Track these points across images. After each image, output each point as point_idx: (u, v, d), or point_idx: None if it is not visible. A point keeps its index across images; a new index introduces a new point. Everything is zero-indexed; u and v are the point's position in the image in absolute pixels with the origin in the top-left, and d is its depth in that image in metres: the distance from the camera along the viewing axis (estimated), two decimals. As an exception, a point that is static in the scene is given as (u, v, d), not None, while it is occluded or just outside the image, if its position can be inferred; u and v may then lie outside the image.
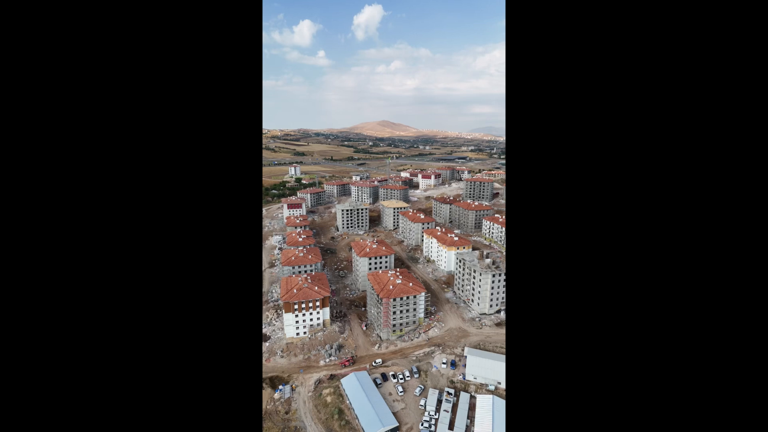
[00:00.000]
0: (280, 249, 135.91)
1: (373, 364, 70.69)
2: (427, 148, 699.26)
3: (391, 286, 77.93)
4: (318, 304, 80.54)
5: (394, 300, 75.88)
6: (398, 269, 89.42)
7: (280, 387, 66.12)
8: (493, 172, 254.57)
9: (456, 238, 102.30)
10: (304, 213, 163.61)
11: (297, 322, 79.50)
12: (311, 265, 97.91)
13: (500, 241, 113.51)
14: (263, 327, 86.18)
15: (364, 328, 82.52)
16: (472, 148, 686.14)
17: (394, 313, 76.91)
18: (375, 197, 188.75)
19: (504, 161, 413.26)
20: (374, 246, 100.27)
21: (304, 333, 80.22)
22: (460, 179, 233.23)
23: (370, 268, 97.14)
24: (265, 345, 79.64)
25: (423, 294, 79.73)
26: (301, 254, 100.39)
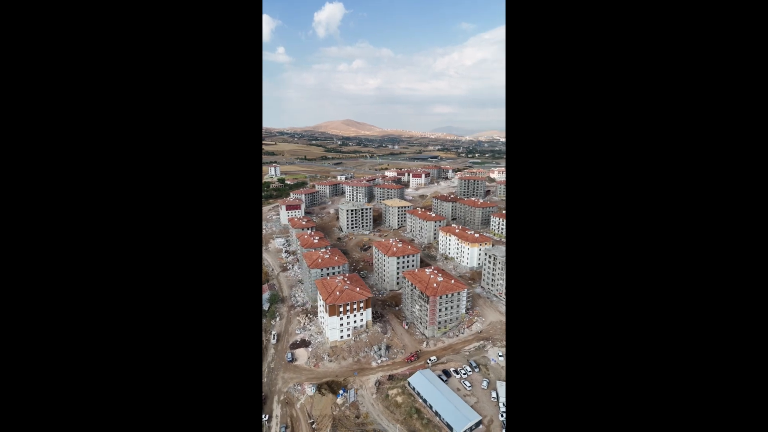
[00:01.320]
0: (287, 252, 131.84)
1: (428, 361, 71.43)
2: (396, 147, 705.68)
3: (435, 284, 78.97)
4: (362, 305, 79.68)
5: (440, 297, 77.04)
6: (434, 267, 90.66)
7: (341, 392, 64.89)
8: (474, 170, 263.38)
9: (477, 235, 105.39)
10: (303, 214, 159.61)
11: (341, 324, 78.11)
12: (338, 267, 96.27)
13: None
14: (298, 333, 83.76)
15: (406, 327, 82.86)
16: (439, 147, 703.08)
17: (440, 310, 78.09)
18: (370, 197, 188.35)
19: (476, 161, 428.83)
20: (399, 245, 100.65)
21: (348, 335, 79.03)
22: (446, 178, 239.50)
23: (398, 268, 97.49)
24: (308, 350, 77.53)
25: (465, 290, 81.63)
26: (327, 255, 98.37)
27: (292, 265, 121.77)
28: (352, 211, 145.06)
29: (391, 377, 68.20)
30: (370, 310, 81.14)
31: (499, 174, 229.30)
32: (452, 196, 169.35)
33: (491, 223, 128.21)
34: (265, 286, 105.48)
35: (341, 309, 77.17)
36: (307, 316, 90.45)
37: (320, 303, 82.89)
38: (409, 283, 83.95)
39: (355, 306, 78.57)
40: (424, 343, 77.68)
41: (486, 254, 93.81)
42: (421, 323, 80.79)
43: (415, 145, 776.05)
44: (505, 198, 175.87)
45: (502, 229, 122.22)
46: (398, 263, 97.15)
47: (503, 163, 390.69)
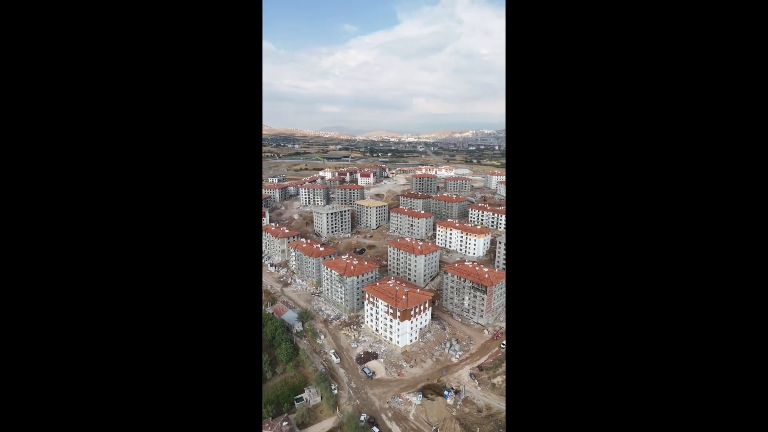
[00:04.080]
0: (273, 266, 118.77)
1: (501, 346, 76.63)
2: (296, 146, 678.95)
3: (487, 275, 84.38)
4: (426, 306, 79.69)
5: (496, 286, 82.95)
6: (459, 260, 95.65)
7: (446, 393, 64.99)
8: (412, 169, 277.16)
9: (479, 227, 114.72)
10: (268, 222, 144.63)
11: (411, 328, 76.78)
12: (371, 272, 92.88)
13: (493, 226, 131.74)
14: (354, 346, 78.79)
15: (459, 320, 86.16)
16: (339, 146, 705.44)
17: (495, 299, 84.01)
18: (327, 199, 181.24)
19: (384, 159, 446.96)
20: (421, 244, 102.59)
21: (415, 338, 78.19)
22: (387, 177, 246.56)
23: (425, 265, 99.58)
24: (380, 361, 74.07)
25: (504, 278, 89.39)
26: (356, 261, 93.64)
27: (291, 278, 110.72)
28: (331, 214, 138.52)
29: (481, 368, 71.09)
30: (430, 309, 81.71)
31: (446, 171, 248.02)
32: (408, 192, 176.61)
33: (470, 215, 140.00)
34: (278, 306, 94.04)
35: (412, 313, 75.86)
36: (351, 327, 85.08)
37: (369, 311, 79.38)
38: (455, 276, 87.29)
39: (421, 308, 78.18)
40: (484, 330, 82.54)
41: (499, 242, 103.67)
42: (474, 313, 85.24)
43: (312, 144, 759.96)
44: (452, 192, 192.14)
45: (482, 220, 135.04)
46: (425, 261, 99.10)
47: (411, 161, 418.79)
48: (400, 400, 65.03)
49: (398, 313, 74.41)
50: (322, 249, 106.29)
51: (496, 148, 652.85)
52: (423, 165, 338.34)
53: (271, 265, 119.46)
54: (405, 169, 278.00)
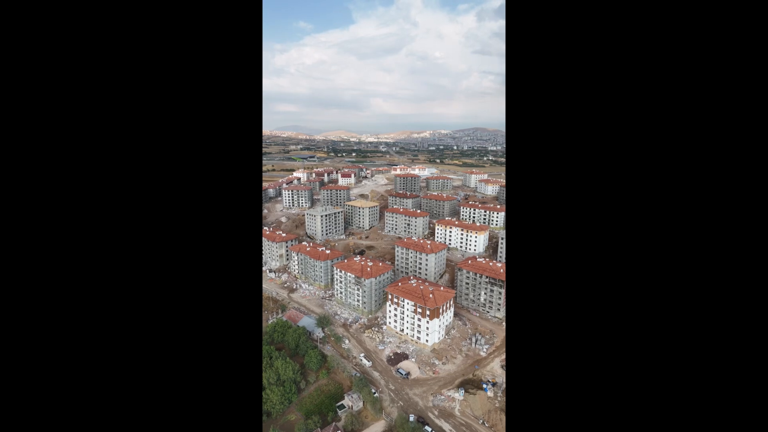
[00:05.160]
0: (272, 271, 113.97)
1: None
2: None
3: (502, 270, 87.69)
4: (451, 303, 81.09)
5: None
6: (469, 258, 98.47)
7: (485, 386, 66.93)
8: (387, 169, 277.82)
9: (478, 224, 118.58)
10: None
11: (440, 326, 77.80)
12: (387, 273, 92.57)
13: (485, 223, 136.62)
14: (381, 348, 78.34)
15: (477, 314, 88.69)
16: (300, 146, 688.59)
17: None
18: (312, 201, 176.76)
19: (351, 159, 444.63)
20: (429, 243, 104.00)
21: (442, 335, 79.37)
22: (365, 177, 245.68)
23: (435, 263, 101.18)
24: (411, 361, 74.29)
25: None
26: (371, 263, 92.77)
27: (295, 284, 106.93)
28: (325, 216, 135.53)
29: (510, 359, 73.90)
30: (453, 306, 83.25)
31: (420, 170, 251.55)
32: (397, 192, 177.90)
33: (461, 213, 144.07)
34: (292, 312, 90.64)
35: (440, 311, 76.90)
36: (373, 330, 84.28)
37: (392, 312, 79.39)
38: (471, 273, 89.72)
39: (446, 306, 79.47)
40: (502, 323, 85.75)
41: (501, 238, 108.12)
42: (491, 307, 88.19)
43: (270, 143, 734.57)
44: (434, 191, 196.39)
45: (474, 217, 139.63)
46: (435, 259, 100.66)
47: (378, 161, 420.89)
48: (442, 397, 65.81)
49: (428, 312, 75.12)
50: (329, 252, 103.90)
51: (455, 147, 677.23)
52: (391, 165, 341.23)
53: (270, 271, 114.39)
54: (381, 169, 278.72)
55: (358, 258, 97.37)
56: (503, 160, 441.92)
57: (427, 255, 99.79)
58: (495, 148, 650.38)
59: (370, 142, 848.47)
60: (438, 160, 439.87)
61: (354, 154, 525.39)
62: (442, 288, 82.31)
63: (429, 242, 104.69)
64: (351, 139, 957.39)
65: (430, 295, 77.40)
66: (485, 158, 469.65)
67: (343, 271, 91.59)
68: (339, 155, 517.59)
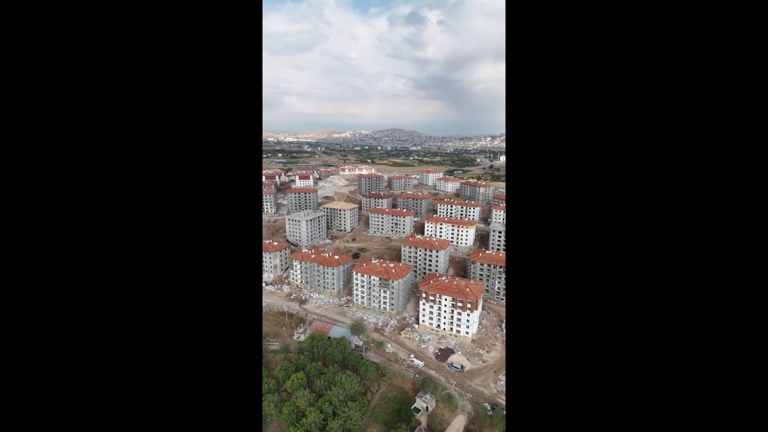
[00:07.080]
0: (269, 284, 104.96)
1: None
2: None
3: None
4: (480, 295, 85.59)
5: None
6: (475, 249, 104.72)
7: (533, 365, 73.16)
8: (326, 169, 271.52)
9: (467, 219, 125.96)
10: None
11: (477, 318, 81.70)
12: (409, 273, 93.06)
13: (464, 217, 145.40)
14: (424, 346, 79.48)
15: (494, 303, 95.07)
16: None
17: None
18: (276, 205, 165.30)
19: (280, 160, 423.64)
20: (437, 240, 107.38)
21: (478, 326, 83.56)
22: (320, 178, 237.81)
23: (444, 259, 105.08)
24: (458, 354, 77.00)
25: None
26: (392, 265, 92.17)
27: (301, 294, 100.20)
28: (310, 221, 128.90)
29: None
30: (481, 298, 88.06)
31: (366, 170, 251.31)
32: (357, 192, 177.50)
33: (438, 210, 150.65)
34: (317, 324, 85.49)
35: (479, 303, 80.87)
36: (405, 330, 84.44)
37: (427, 309, 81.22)
38: (484, 264, 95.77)
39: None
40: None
41: (493, 230, 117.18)
42: (505, 295, 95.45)
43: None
44: (398, 190, 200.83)
45: (451, 213, 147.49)
46: (444, 255, 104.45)
47: (311, 162, 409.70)
48: (502, 382, 69.85)
49: (468, 305, 78.47)
50: (337, 258, 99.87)
51: (379, 148, 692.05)
52: (327, 166, 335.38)
53: (266, 284, 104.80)
54: (329, 170, 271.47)
55: (376, 261, 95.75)
56: (427, 159, 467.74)
57: (437, 252, 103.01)
58: (416, 148, 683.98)
59: (291, 142, 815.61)
60: (369, 161, 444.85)
61: (281, 155, 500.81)
62: (473, 281, 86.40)
63: (436, 240, 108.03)
64: (269, 139, 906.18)
65: (467, 289, 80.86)
66: (411, 158, 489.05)
67: (365, 276, 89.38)
68: (265, 155, 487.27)
